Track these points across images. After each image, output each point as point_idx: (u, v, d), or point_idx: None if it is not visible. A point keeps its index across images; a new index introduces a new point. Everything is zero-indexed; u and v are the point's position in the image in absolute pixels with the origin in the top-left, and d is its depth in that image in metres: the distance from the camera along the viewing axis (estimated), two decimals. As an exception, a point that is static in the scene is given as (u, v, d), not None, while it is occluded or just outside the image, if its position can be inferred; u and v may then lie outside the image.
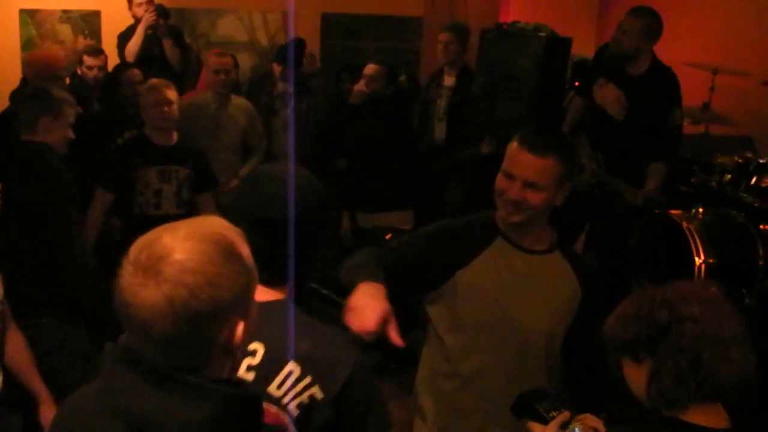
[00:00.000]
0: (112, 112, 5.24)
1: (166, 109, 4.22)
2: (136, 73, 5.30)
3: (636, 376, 1.81)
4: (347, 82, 5.85)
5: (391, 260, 2.42)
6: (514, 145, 2.46)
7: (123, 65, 5.56)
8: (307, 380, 1.72)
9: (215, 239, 1.36)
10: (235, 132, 5.27)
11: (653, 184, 4.74)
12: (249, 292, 1.40)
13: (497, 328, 2.53)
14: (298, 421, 1.73)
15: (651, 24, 4.73)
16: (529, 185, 2.41)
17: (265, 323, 1.63)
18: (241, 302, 1.38)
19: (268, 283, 1.74)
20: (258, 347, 1.75)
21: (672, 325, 1.72)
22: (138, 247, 1.34)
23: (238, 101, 5.36)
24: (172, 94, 4.29)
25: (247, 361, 1.74)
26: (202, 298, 1.30)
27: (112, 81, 5.27)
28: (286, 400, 1.73)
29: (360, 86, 5.44)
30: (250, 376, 1.74)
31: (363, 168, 5.15)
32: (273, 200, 1.80)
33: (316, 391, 1.72)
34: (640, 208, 4.71)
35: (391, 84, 5.51)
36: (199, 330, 1.32)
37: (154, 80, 4.49)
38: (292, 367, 1.73)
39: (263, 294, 1.69)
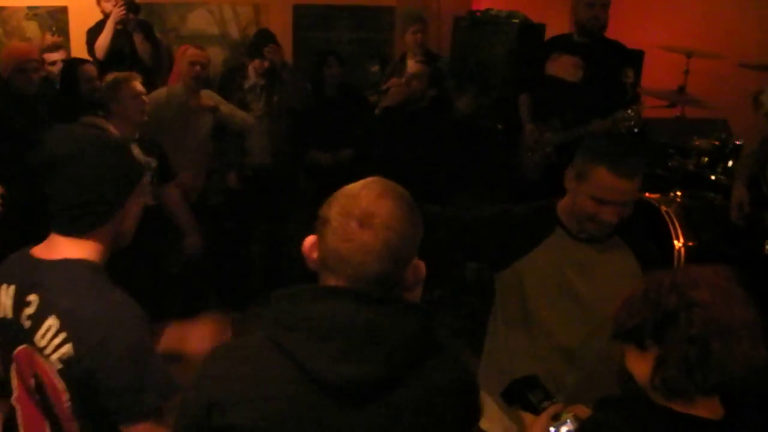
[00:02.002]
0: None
1: (143, 100, 4.26)
2: (91, 68, 5.21)
3: (640, 365, 1.74)
4: (334, 66, 5.77)
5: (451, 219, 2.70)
6: (604, 173, 2.43)
7: (76, 60, 5.44)
8: (62, 336, 1.81)
9: (402, 196, 1.63)
10: (204, 124, 5.20)
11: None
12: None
13: (562, 314, 2.64)
14: (60, 373, 1.84)
15: None
16: (623, 204, 2.48)
17: (46, 277, 1.88)
18: (418, 245, 1.65)
19: (70, 234, 1.93)
20: (33, 299, 1.88)
21: (681, 310, 1.65)
22: (341, 202, 1.59)
23: (207, 94, 5.31)
24: (141, 86, 4.33)
25: (25, 310, 1.89)
26: (410, 240, 1.60)
27: (68, 78, 5.16)
28: (47, 351, 1.84)
29: (398, 84, 5.33)
30: (27, 324, 1.88)
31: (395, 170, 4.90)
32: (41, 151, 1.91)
33: (69, 347, 1.80)
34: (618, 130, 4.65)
35: (432, 87, 5.24)
36: (402, 269, 1.60)
37: (125, 73, 4.43)
38: (51, 322, 1.83)
39: (64, 248, 1.91)
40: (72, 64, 5.27)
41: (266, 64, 5.46)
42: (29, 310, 1.88)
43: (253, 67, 5.60)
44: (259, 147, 5.63)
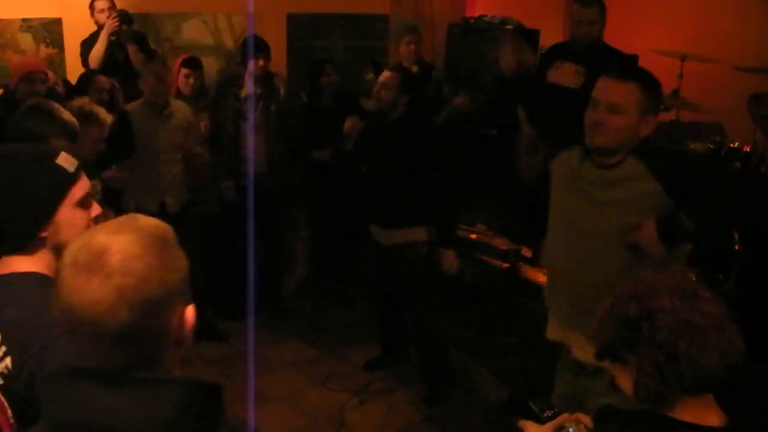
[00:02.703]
0: None
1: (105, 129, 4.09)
2: (104, 79, 5.23)
3: (625, 380, 1.74)
4: (331, 74, 5.77)
5: None
6: (601, 77, 2.81)
7: (89, 73, 5.47)
8: (2, 350, 1.75)
9: (148, 230, 1.36)
10: (173, 135, 5.18)
11: None
12: (187, 277, 1.39)
13: (559, 239, 3.00)
14: (1, 389, 1.75)
15: (604, 7, 4.81)
16: (611, 108, 2.70)
17: None
18: (185, 287, 1.38)
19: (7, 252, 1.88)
20: None
21: (643, 320, 1.66)
22: (73, 249, 1.32)
23: (176, 105, 5.27)
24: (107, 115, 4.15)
25: None
26: (153, 283, 1.29)
27: (81, 90, 5.16)
28: None
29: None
30: None
31: (380, 181, 4.76)
32: None
33: (8, 361, 1.74)
34: None
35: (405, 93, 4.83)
36: (151, 319, 1.30)
37: (94, 107, 4.34)
38: None
39: (10, 264, 1.87)
40: (84, 78, 5.31)
41: (261, 62, 5.43)
42: None
43: (248, 75, 5.57)
44: (256, 156, 5.62)
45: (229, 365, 5.03)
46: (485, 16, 6.59)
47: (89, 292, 1.27)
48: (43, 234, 1.90)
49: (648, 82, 2.75)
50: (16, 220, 1.86)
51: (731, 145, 5.01)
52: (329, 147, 5.66)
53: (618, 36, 5.30)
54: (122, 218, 1.39)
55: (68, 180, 1.94)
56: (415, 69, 5.77)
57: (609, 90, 2.76)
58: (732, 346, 1.64)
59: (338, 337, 5.54)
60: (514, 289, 5.52)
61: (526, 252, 5.60)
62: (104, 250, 1.29)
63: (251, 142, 5.51)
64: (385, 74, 4.62)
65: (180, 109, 5.26)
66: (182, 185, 5.24)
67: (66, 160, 1.95)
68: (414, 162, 4.38)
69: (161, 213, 5.03)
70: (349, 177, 5.66)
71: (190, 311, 1.40)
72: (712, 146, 5.08)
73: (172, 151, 5.18)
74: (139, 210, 5.03)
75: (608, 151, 2.81)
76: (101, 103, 4.85)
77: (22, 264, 1.88)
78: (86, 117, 3.89)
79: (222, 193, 5.51)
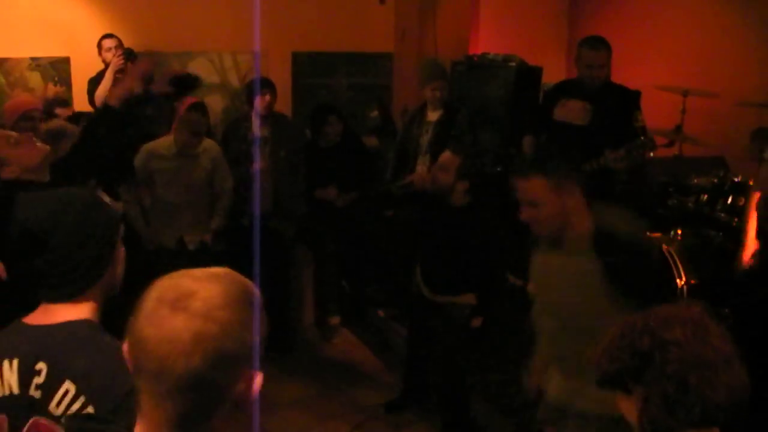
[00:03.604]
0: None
1: None
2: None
3: (629, 409, 1.74)
4: (335, 124, 5.78)
5: None
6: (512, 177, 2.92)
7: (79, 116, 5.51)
8: (81, 400, 1.74)
9: (238, 284, 1.33)
10: (199, 175, 5.20)
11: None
12: (263, 343, 1.35)
13: (543, 309, 3.11)
14: None
15: (611, 49, 4.84)
16: (530, 204, 2.83)
17: (51, 342, 1.80)
18: (258, 352, 1.33)
19: (63, 299, 1.87)
20: (42, 367, 1.79)
21: (655, 351, 1.65)
22: (162, 286, 1.30)
23: (204, 144, 5.28)
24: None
25: (35, 380, 1.79)
26: (232, 337, 1.26)
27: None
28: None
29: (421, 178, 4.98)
30: (38, 395, 1.78)
31: (438, 257, 4.60)
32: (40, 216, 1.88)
33: (90, 411, 1.73)
34: (629, 164, 4.64)
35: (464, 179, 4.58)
36: (221, 373, 1.26)
37: (66, 125, 4.38)
38: (67, 386, 1.76)
39: (59, 313, 1.85)
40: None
41: (267, 98, 5.44)
42: (38, 380, 1.79)
43: (255, 116, 5.57)
44: (263, 197, 5.60)
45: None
46: (488, 53, 6.63)
47: (168, 328, 1.24)
48: (106, 273, 1.93)
49: (548, 166, 2.87)
50: (85, 263, 1.89)
51: (734, 179, 5.02)
52: (331, 184, 5.68)
53: (621, 72, 5.35)
54: (211, 269, 1.36)
55: (117, 218, 2.02)
56: (440, 112, 5.72)
57: (521, 190, 2.87)
58: (739, 382, 1.64)
59: (343, 373, 5.51)
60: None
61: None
62: (192, 292, 1.26)
63: (257, 184, 5.51)
64: (445, 155, 4.42)
65: (208, 148, 5.28)
66: (204, 223, 5.25)
67: (109, 200, 2.01)
68: (478, 250, 4.33)
69: (180, 249, 5.05)
70: (354, 215, 5.69)
71: (258, 378, 1.34)
72: (715, 180, 5.10)
73: (197, 191, 5.20)
74: (158, 246, 5.07)
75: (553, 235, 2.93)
76: None
77: (70, 312, 1.88)
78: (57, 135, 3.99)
79: (235, 226, 5.48)
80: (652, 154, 4.77)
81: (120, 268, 1.99)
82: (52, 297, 1.89)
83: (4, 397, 1.83)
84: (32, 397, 1.79)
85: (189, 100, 5.39)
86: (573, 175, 2.90)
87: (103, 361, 1.77)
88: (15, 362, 1.83)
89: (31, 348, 1.83)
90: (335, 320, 6.10)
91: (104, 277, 1.93)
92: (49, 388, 1.77)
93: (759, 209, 4.44)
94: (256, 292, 1.36)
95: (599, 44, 4.80)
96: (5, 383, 1.83)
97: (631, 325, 1.74)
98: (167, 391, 1.25)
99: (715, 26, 6.06)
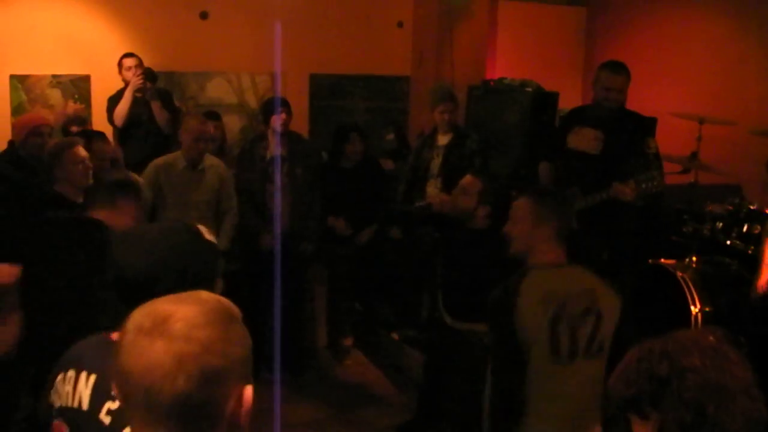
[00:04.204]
0: None
1: (87, 165, 4.20)
2: (109, 148, 5.21)
3: None
4: (356, 143, 5.78)
5: None
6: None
7: (94, 134, 5.47)
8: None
9: (214, 303, 1.33)
10: (206, 192, 5.22)
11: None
12: (250, 357, 1.34)
13: None
14: None
15: (630, 76, 4.83)
16: (511, 219, 3.14)
17: (97, 354, 1.77)
18: (247, 365, 1.32)
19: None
20: (91, 378, 1.77)
21: (673, 377, 1.62)
22: (137, 317, 1.29)
23: (210, 161, 5.28)
24: (84, 151, 4.26)
25: (108, 404, 1.72)
26: (214, 353, 1.24)
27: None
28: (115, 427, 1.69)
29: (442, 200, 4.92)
30: (108, 421, 1.72)
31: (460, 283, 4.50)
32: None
33: None
34: (637, 198, 4.61)
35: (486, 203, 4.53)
36: (209, 392, 1.24)
37: (68, 139, 4.46)
38: None
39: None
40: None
41: (283, 116, 5.44)
42: (112, 405, 1.72)
43: (272, 135, 5.56)
44: (281, 217, 5.60)
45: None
46: (505, 78, 6.67)
47: (149, 356, 1.22)
48: None
49: (539, 194, 3.19)
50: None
51: (750, 207, 5.02)
52: (348, 207, 5.68)
53: (637, 98, 5.35)
54: (186, 293, 1.35)
55: (219, 254, 1.99)
56: (449, 137, 5.74)
57: (512, 205, 3.18)
58: (757, 412, 1.62)
59: (356, 395, 5.50)
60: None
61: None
62: (168, 316, 1.25)
63: (278, 204, 5.51)
64: (466, 179, 4.39)
65: (214, 165, 5.28)
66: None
67: (208, 234, 1.97)
68: (500, 275, 4.31)
69: None
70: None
71: (248, 392, 1.32)
72: (730, 208, 5.09)
73: (205, 208, 5.20)
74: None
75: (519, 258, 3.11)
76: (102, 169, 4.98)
77: None
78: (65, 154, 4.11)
79: (258, 246, 5.47)
80: (658, 191, 4.70)
81: None
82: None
83: (71, 408, 1.79)
84: (101, 422, 1.73)
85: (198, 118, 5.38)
86: (555, 208, 3.05)
87: None
88: (92, 378, 1.79)
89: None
90: (348, 341, 6.09)
91: None
92: (122, 418, 1.67)
93: None
94: (236, 309, 1.35)
95: (620, 68, 4.81)
96: (77, 395, 1.79)
97: (648, 350, 1.72)
98: (158, 420, 1.24)
99: (731, 54, 6.08)
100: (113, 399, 1.71)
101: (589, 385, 2.89)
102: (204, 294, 1.35)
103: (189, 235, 1.94)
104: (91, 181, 4.17)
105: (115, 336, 1.80)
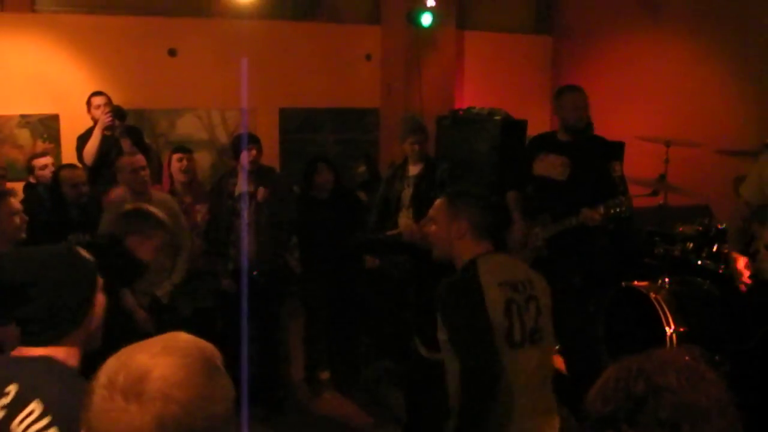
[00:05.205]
0: (57, 215, 5.21)
1: (22, 217, 3.99)
2: (79, 174, 5.27)
3: None
4: (324, 172, 5.76)
5: None
6: None
7: (61, 166, 5.51)
8: (46, 420, 1.75)
9: (193, 352, 1.24)
10: None
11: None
12: (232, 409, 1.27)
13: None
14: None
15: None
16: (431, 219, 3.20)
17: (26, 369, 1.85)
18: (231, 418, 1.25)
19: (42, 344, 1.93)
20: (12, 389, 1.81)
21: (649, 396, 1.62)
22: (110, 368, 1.20)
23: (159, 196, 5.20)
24: (18, 204, 4.06)
25: (1, 400, 1.80)
26: (197, 414, 1.17)
27: (54, 184, 5.24)
28: None
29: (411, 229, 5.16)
30: (1, 414, 1.79)
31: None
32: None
33: (54, 431, 1.74)
34: (606, 222, 4.65)
35: None
36: None
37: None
38: (34, 406, 1.77)
39: (41, 352, 1.91)
40: (56, 171, 5.37)
41: (253, 152, 5.43)
42: (5, 401, 1.83)
43: (241, 171, 5.55)
44: (248, 252, 5.57)
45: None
46: (473, 107, 6.72)
47: (126, 420, 1.14)
48: (86, 321, 2.00)
49: (454, 194, 3.19)
50: (62, 313, 1.96)
51: (719, 227, 5.08)
52: (326, 236, 5.67)
53: (604, 123, 5.43)
54: (164, 337, 1.27)
55: (95, 272, 2.08)
56: (420, 166, 5.77)
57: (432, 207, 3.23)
58: (732, 429, 1.63)
59: (333, 429, 5.45)
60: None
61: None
62: (145, 373, 1.17)
63: (245, 240, 5.48)
64: (437, 204, 4.52)
65: (161, 199, 5.15)
66: (169, 277, 5.18)
67: (86, 253, 2.08)
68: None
69: (153, 305, 5.00)
70: (342, 268, 5.69)
71: None
72: (700, 228, 5.15)
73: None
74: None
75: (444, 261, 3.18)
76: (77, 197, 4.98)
77: (51, 353, 1.95)
78: None
79: (220, 287, 5.46)
80: (626, 216, 4.75)
81: (97, 323, 2.05)
82: (31, 342, 1.95)
83: None
84: None
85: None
86: (469, 204, 3.08)
87: (78, 394, 1.67)
88: None
89: (5, 372, 1.87)
90: (325, 375, 6.05)
91: (83, 324, 1.98)
92: (14, 407, 1.79)
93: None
94: (217, 355, 1.29)
95: (577, 88, 4.89)
96: None
97: (626, 368, 1.72)
98: None
99: (695, 77, 6.18)
100: (6, 395, 1.81)
101: (538, 372, 2.92)
102: (187, 341, 1.27)
103: (64, 252, 2.07)
104: (23, 236, 3.98)
105: (13, 352, 1.94)
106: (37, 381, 1.84)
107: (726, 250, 4.86)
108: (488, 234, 3.05)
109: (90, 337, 2.03)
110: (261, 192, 5.35)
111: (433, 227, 3.16)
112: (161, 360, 1.18)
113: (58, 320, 1.95)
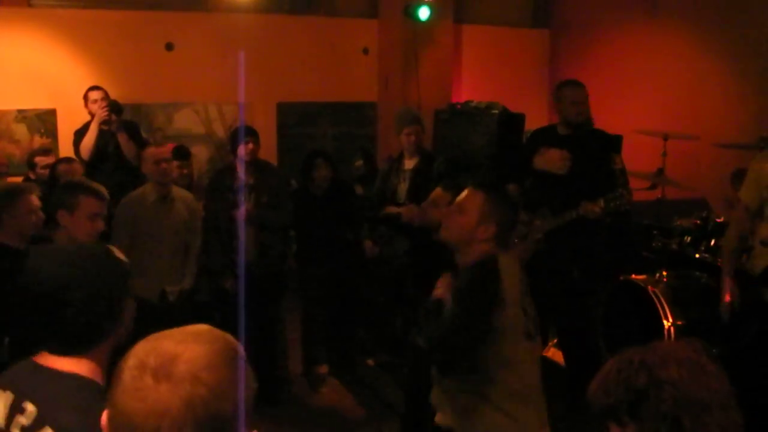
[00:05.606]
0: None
1: (39, 215, 3.89)
2: (76, 168, 5.24)
3: None
4: (322, 168, 5.75)
5: None
6: None
7: (59, 160, 5.49)
8: None
9: (218, 339, 1.28)
10: (176, 223, 5.16)
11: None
12: (253, 398, 1.29)
13: None
14: None
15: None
16: (458, 209, 3.03)
17: (47, 387, 1.75)
18: (251, 408, 1.26)
19: (71, 354, 1.82)
20: (31, 408, 1.75)
21: (650, 389, 1.63)
22: (140, 351, 1.22)
23: (178, 192, 5.21)
24: (38, 201, 3.95)
25: (19, 419, 1.74)
26: (223, 398, 1.19)
27: (52, 178, 5.21)
28: None
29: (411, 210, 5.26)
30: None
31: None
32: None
33: None
34: (605, 215, 4.65)
35: None
36: None
37: (24, 184, 4.34)
38: None
39: (68, 364, 1.80)
40: (53, 166, 5.33)
41: (250, 146, 5.42)
42: (23, 420, 1.76)
43: (239, 165, 5.55)
44: (247, 246, 5.56)
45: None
46: (471, 101, 6.72)
47: (154, 399, 1.16)
48: (117, 327, 1.91)
49: (493, 193, 3.05)
50: (97, 320, 1.86)
51: (716, 220, 5.08)
52: (323, 231, 5.66)
53: (602, 117, 5.42)
54: (188, 327, 1.29)
55: (128, 271, 2.00)
56: (416, 159, 5.77)
57: (461, 195, 3.08)
58: (733, 425, 1.63)
59: (332, 423, 5.45)
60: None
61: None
62: (175, 356, 1.19)
63: (242, 233, 5.47)
64: (436, 192, 4.49)
65: (182, 196, 5.21)
66: (182, 274, 5.19)
67: (119, 253, 1.98)
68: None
69: (161, 302, 5.00)
70: (340, 261, 5.69)
71: None
72: (698, 222, 5.15)
73: (176, 239, 5.13)
74: (139, 299, 5.01)
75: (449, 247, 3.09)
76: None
77: (78, 366, 1.84)
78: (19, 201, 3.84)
79: (219, 284, 5.45)
80: (626, 208, 4.76)
81: (128, 326, 1.96)
82: (60, 351, 1.85)
83: None
84: None
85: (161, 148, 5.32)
86: (503, 209, 3.02)
87: (91, 423, 1.65)
88: (10, 396, 1.80)
89: (28, 387, 1.80)
90: (323, 369, 6.05)
91: (114, 331, 1.90)
92: (31, 430, 1.74)
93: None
94: (240, 347, 1.31)
95: (578, 83, 4.89)
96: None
97: (628, 361, 1.72)
98: None
99: (692, 70, 6.17)
100: (24, 413, 1.74)
101: (537, 366, 2.98)
102: (212, 332, 1.30)
103: (103, 250, 1.98)
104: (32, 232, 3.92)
105: (39, 359, 1.84)
106: (56, 405, 1.75)
107: (719, 263, 4.86)
108: (508, 236, 3.06)
109: (121, 337, 1.94)
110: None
111: (460, 218, 3.01)
112: (190, 345, 1.22)
113: (92, 327, 1.85)
